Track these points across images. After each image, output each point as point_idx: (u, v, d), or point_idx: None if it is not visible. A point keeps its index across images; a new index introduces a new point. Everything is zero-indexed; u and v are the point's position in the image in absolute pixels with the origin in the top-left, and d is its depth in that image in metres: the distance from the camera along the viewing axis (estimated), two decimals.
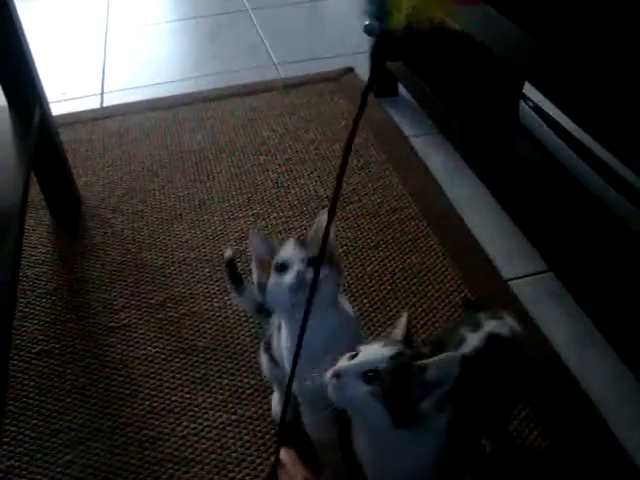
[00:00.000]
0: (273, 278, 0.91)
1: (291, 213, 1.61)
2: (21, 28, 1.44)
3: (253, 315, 1.22)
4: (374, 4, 0.64)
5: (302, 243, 0.93)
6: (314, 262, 0.84)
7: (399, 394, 0.78)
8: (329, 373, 0.79)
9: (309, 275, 0.86)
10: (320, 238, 0.82)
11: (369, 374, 0.78)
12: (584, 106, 1.13)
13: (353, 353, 0.82)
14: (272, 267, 0.92)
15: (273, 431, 1.13)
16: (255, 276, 0.96)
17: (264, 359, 1.11)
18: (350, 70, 2.27)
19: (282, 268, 0.90)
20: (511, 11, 1.26)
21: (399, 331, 0.87)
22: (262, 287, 0.94)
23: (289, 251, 0.92)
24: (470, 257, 1.47)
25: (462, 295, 1.36)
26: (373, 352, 0.81)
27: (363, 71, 2.22)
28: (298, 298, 0.85)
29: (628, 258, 1.18)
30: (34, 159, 1.42)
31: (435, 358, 0.79)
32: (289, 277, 0.89)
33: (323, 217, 0.91)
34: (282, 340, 0.98)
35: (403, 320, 0.89)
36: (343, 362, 0.81)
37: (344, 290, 1.36)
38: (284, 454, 0.84)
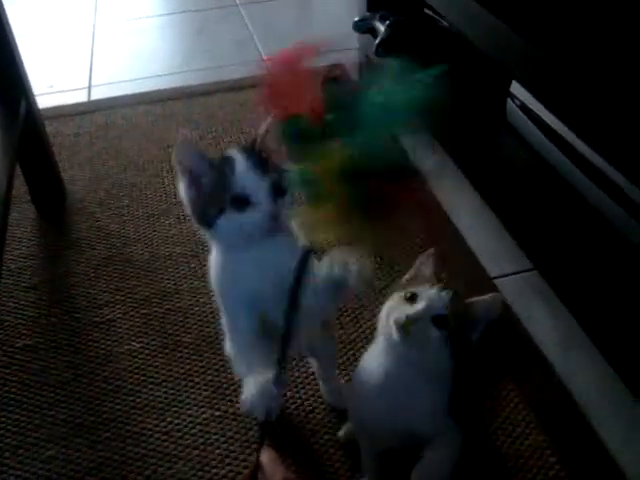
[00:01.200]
0: (230, 214, 0.78)
1: None
2: (7, 20, 1.43)
3: None
4: None
5: (256, 159, 0.77)
6: (277, 189, 0.76)
7: (461, 335, 0.83)
8: (400, 319, 0.81)
9: (276, 209, 0.76)
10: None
11: (439, 320, 0.81)
12: (571, 105, 1.13)
13: (409, 293, 0.84)
14: (226, 198, 0.77)
15: (256, 427, 1.13)
16: (188, 196, 0.81)
17: None
18: (339, 66, 2.27)
19: (240, 203, 0.77)
20: (499, 10, 1.26)
21: (428, 269, 0.90)
22: (202, 213, 0.80)
23: (251, 181, 0.77)
24: (456, 254, 1.47)
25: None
26: (435, 297, 0.82)
27: (352, 67, 2.22)
28: (258, 239, 0.78)
29: (613, 258, 1.19)
30: (19, 152, 1.41)
31: (481, 298, 0.86)
32: (255, 216, 0.77)
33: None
34: (211, 267, 0.87)
35: (431, 256, 0.92)
36: (406, 307, 0.83)
37: None
38: (264, 456, 0.83)
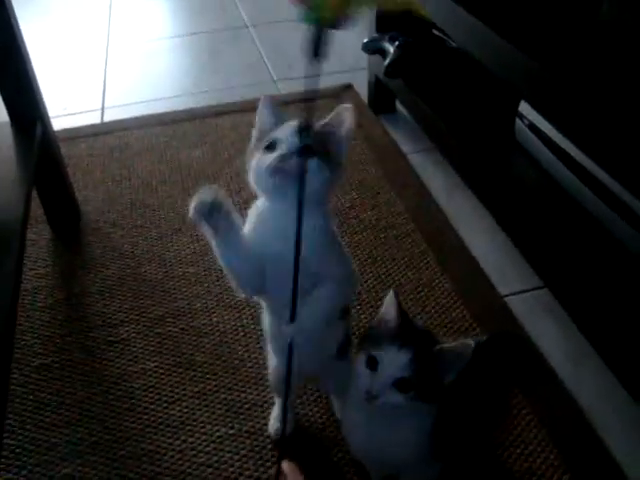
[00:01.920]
0: (258, 155, 0.86)
1: None
2: (24, 44, 1.45)
3: None
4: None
5: (305, 129, 0.82)
6: (305, 151, 0.80)
7: (430, 384, 0.82)
8: (364, 394, 0.81)
9: (296, 163, 0.80)
10: (328, 129, 0.85)
11: (401, 384, 0.81)
12: (579, 124, 1.14)
13: (370, 359, 0.83)
14: (262, 143, 0.86)
15: (270, 446, 1.14)
16: (250, 147, 0.92)
17: None
18: (349, 87, 2.29)
19: (270, 147, 0.85)
20: (507, 30, 1.28)
21: (392, 310, 0.87)
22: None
23: (284, 132, 0.85)
24: (466, 273, 1.49)
25: (457, 310, 1.38)
26: (394, 359, 0.81)
27: (362, 88, 2.24)
28: (278, 183, 0.83)
29: (623, 276, 1.20)
30: (35, 174, 1.43)
31: (452, 344, 0.83)
32: (270, 158, 0.83)
33: (342, 110, 0.87)
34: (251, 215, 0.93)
35: (390, 299, 0.88)
36: (368, 373, 0.82)
37: None
38: (285, 466, 0.85)
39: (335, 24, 0.67)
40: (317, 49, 0.68)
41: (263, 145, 0.86)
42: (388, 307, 0.88)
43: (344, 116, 0.87)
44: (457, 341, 0.83)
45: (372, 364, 0.83)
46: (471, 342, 0.81)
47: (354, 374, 0.87)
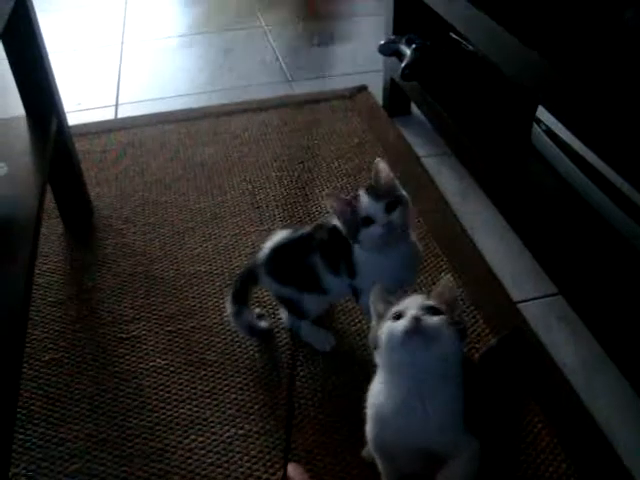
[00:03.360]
0: (363, 230, 1.10)
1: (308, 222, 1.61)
2: (42, 39, 1.46)
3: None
4: None
5: (374, 192, 1.10)
6: (389, 206, 1.09)
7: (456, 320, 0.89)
8: (410, 324, 0.84)
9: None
10: (383, 182, 1.11)
11: (433, 310, 0.87)
12: (597, 130, 1.13)
13: (394, 314, 0.88)
14: (359, 221, 1.10)
15: (281, 446, 1.13)
16: (341, 227, 1.14)
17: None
18: (364, 88, 2.29)
19: (368, 222, 1.09)
20: (525, 34, 1.27)
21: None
22: (351, 234, 1.12)
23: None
24: (480, 278, 1.48)
25: (471, 316, 1.37)
26: (416, 300, 0.90)
27: (377, 90, 2.23)
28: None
29: (639, 283, 1.19)
30: (49, 168, 1.43)
31: (438, 288, 0.93)
32: (377, 230, 1.08)
33: (379, 163, 1.12)
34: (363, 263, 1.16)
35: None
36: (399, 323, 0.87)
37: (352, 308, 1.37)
38: (291, 469, 0.84)
39: None
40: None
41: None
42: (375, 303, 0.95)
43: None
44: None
45: (399, 316, 0.88)
46: (449, 276, 0.93)
47: (385, 339, 0.89)
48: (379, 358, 0.91)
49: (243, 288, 1.30)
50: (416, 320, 0.84)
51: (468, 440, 0.92)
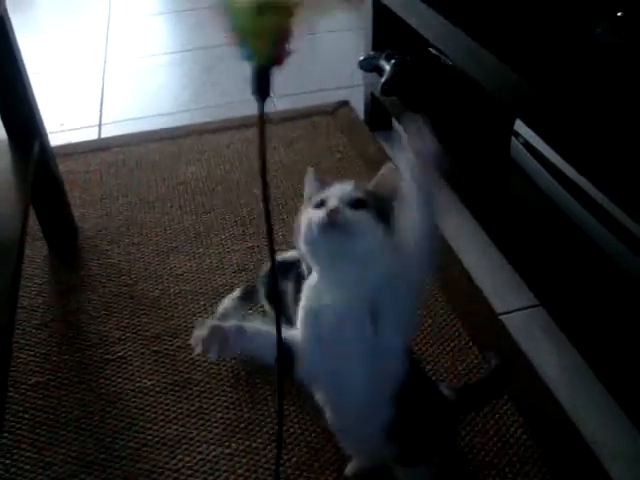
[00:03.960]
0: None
1: (285, 247, 1.61)
2: (22, 61, 1.46)
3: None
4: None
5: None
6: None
7: (384, 210, 0.82)
8: (323, 217, 0.79)
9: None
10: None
11: (357, 203, 0.81)
12: (573, 143, 1.15)
13: (316, 201, 0.83)
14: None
15: (267, 465, 1.14)
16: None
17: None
18: (345, 103, 2.31)
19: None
20: (501, 49, 1.29)
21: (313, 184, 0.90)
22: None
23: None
24: (462, 290, 1.49)
25: (454, 328, 1.38)
26: (341, 189, 0.83)
27: (358, 104, 2.25)
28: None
29: (617, 295, 1.20)
30: (32, 190, 1.44)
31: (376, 178, 0.88)
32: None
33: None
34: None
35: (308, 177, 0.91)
36: (320, 211, 0.81)
37: None
38: None
39: (272, 60, 0.67)
40: (261, 87, 0.68)
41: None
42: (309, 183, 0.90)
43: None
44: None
45: (321, 204, 0.82)
46: (389, 165, 0.88)
47: (304, 227, 0.83)
48: (302, 246, 0.84)
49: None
50: (333, 213, 0.78)
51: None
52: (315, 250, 0.83)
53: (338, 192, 0.82)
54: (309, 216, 0.81)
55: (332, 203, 0.80)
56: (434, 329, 1.39)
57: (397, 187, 0.83)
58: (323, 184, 0.88)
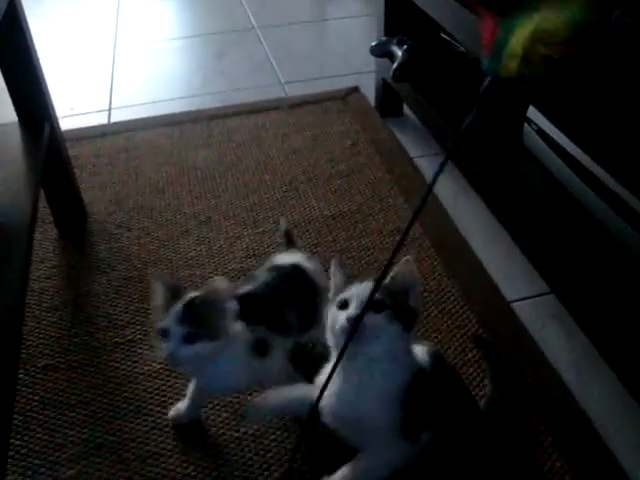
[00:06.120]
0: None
1: (296, 232, 1.61)
2: (33, 45, 1.46)
3: None
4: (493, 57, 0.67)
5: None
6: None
7: (401, 306, 0.91)
8: (343, 324, 0.88)
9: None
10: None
11: (375, 306, 0.88)
12: (587, 130, 1.14)
13: (339, 303, 0.92)
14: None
15: (275, 449, 1.14)
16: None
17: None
18: (356, 89, 2.30)
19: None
20: None
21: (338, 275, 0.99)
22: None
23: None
24: (473, 278, 1.48)
25: (464, 315, 1.38)
26: (361, 291, 0.91)
27: (369, 91, 2.24)
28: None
29: (629, 283, 1.19)
30: (42, 174, 1.44)
31: (395, 269, 0.93)
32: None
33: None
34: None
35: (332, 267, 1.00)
36: (342, 313, 0.90)
37: None
38: None
39: (512, 76, 0.68)
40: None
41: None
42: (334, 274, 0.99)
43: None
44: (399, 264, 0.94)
45: (344, 305, 0.91)
46: (409, 257, 0.93)
47: (330, 324, 0.93)
48: (328, 338, 0.95)
49: None
50: (352, 319, 0.87)
51: (398, 445, 0.95)
52: (337, 345, 0.91)
53: (359, 294, 0.90)
54: (334, 316, 0.91)
55: (352, 309, 0.89)
56: (444, 316, 1.38)
57: (414, 279, 0.93)
58: (347, 277, 0.97)
